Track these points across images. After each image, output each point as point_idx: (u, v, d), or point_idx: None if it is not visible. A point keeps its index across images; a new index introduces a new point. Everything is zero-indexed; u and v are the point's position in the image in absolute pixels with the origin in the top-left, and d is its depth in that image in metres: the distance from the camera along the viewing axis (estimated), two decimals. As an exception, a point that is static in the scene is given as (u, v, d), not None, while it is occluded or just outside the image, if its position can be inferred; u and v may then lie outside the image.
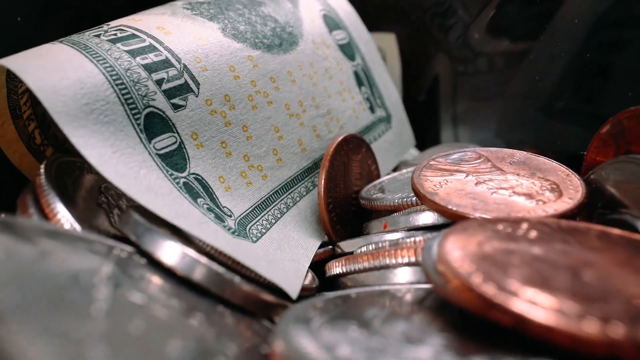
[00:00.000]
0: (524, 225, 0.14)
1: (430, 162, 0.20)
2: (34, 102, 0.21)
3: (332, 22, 0.26)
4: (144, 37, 0.18)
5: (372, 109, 0.26)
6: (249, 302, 0.13)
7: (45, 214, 0.14)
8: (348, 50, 0.26)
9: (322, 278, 0.19)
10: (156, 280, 0.12)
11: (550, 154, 0.25)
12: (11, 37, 0.25)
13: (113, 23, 0.19)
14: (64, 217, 0.14)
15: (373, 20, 0.32)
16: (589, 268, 0.12)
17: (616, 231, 0.14)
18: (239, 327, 0.12)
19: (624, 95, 0.22)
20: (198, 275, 0.13)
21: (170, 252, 0.13)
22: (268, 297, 0.14)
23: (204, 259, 0.13)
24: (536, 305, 0.10)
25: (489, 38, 0.30)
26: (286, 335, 0.10)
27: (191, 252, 0.13)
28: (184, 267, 0.13)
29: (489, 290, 0.10)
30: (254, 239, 0.18)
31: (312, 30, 0.24)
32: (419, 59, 0.34)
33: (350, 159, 0.23)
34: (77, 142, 0.15)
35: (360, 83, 0.26)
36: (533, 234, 0.14)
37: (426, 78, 0.34)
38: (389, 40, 0.33)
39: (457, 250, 0.12)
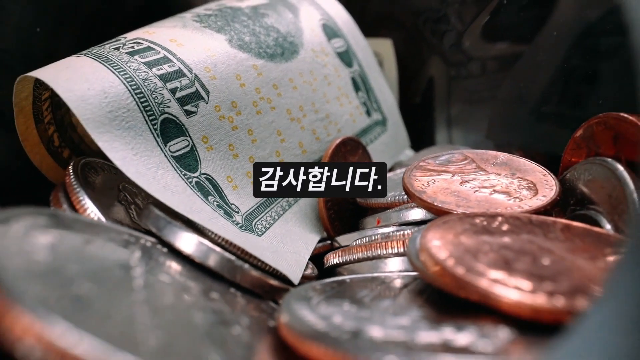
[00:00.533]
0: (499, 219, 0.17)
1: (420, 163, 0.22)
2: (54, 107, 0.24)
3: (330, 31, 0.28)
4: (159, 49, 0.21)
5: (368, 113, 0.29)
6: (257, 285, 0.16)
7: (76, 210, 0.17)
8: (346, 57, 0.28)
9: (321, 270, 0.21)
10: (176, 266, 0.15)
11: (536, 155, 0.27)
12: (32, 46, 0.27)
13: (130, 35, 0.22)
14: (93, 212, 0.17)
15: (371, 27, 0.34)
16: (548, 254, 0.14)
17: (579, 225, 0.16)
18: (248, 306, 0.14)
19: (607, 101, 0.24)
20: (212, 261, 0.15)
21: (188, 242, 0.16)
22: (273, 281, 0.16)
23: (217, 248, 0.15)
24: (498, 283, 0.12)
25: (481, 44, 0.33)
26: (290, 309, 0.12)
27: (206, 242, 0.15)
28: (200, 254, 0.15)
29: (460, 271, 0.13)
30: (259, 233, 0.20)
31: (311, 39, 0.27)
32: (415, 63, 0.36)
33: (348, 160, 0.25)
34: (103, 146, 0.17)
35: (357, 88, 0.28)
36: (505, 226, 0.16)
37: (421, 81, 0.36)
38: (386, 46, 0.35)
39: (436, 240, 0.15)
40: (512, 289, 0.12)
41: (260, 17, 0.25)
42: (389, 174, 0.27)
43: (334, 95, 0.27)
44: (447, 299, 0.14)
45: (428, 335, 0.11)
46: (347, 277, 0.16)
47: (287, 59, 0.25)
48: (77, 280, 0.10)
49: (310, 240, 0.22)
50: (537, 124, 0.31)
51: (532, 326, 0.11)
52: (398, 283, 0.16)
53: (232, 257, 0.15)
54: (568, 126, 0.27)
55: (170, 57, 0.21)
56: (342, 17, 0.30)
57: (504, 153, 0.23)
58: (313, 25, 0.28)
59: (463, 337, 0.11)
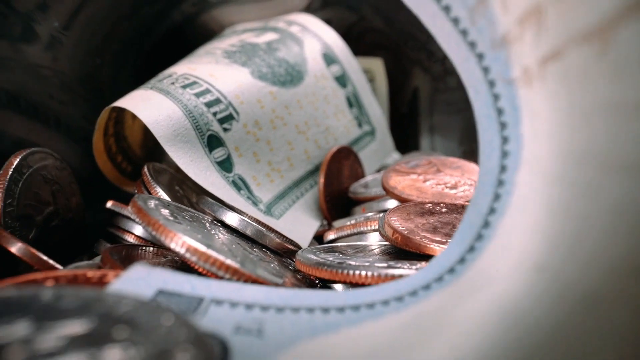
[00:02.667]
0: (441, 205, 0.28)
1: (395, 167, 0.33)
2: (116, 123, 0.35)
3: (329, 59, 0.40)
4: (202, 83, 0.32)
5: (360, 125, 0.40)
6: (279, 247, 0.27)
7: (155, 198, 0.28)
8: (341, 80, 0.40)
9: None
10: (227, 233, 0.26)
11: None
12: (81, 68, 0.38)
13: (179, 71, 0.33)
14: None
15: (365, 49, 0.46)
16: (463, 225, 0.25)
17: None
18: (275, 259, 0.25)
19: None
20: (249, 231, 0.27)
21: (233, 218, 0.27)
22: (290, 246, 0.27)
23: (253, 222, 0.27)
24: (426, 239, 0.23)
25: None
26: (302, 254, 0.24)
27: (246, 218, 0.27)
28: (242, 226, 0.26)
29: (405, 232, 0.24)
30: (277, 217, 0.31)
31: (314, 66, 0.38)
32: (402, 79, 0.48)
33: (342, 164, 0.36)
34: (172, 155, 0.29)
35: (350, 105, 0.40)
36: (444, 210, 0.27)
37: (407, 94, 0.48)
38: (377, 64, 0.47)
39: (395, 217, 0.26)
40: (433, 242, 0.23)
41: (274, 52, 0.37)
42: (376, 175, 0.38)
43: (332, 112, 0.38)
44: (399, 254, 0.25)
45: (381, 264, 0.22)
46: (338, 244, 0.28)
47: (295, 85, 0.36)
48: (189, 231, 0.21)
49: (313, 224, 0.33)
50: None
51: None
52: (372, 247, 0.27)
53: (263, 228, 0.27)
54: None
55: (211, 88, 0.32)
56: (339, 46, 0.41)
57: (461, 160, 0.34)
58: (315, 55, 0.39)
59: (399, 264, 0.22)
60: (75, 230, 0.33)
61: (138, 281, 0.17)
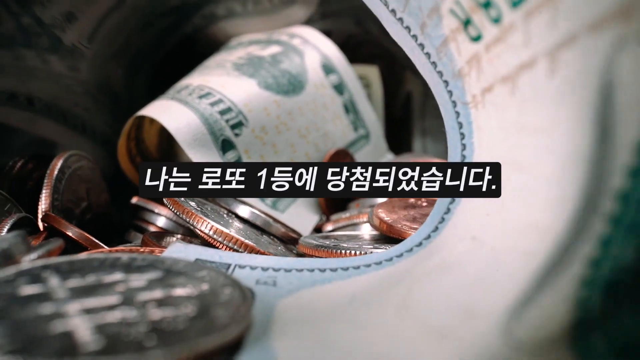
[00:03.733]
0: (422, 200, 0.35)
1: (386, 167, 0.40)
2: (137, 128, 0.42)
3: (327, 69, 0.47)
4: (216, 93, 0.39)
5: (355, 129, 0.47)
6: (284, 236, 0.34)
7: (178, 194, 0.35)
8: (339, 88, 0.47)
9: (320, 236, 0.39)
10: (240, 223, 0.33)
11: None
12: (100, 76, 0.45)
13: (194, 82, 0.40)
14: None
15: (362, 57, 0.53)
16: (439, 216, 0.32)
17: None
18: (281, 245, 0.33)
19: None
20: (258, 221, 0.34)
21: (245, 210, 0.34)
22: (293, 234, 0.34)
23: (262, 214, 0.34)
24: (405, 226, 0.31)
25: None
26: (304, 240, 0.31)
27: (255, 211, 0.34)
28: (252, 218, 0.34)
29: (389, 221, 0.31)
30: (281, 212, 0.38)
31: (314, 76, 0.45)
32: (396, 84, 0.55)
33: (339, 165, 0.43)
34: (192, 157, 0.36)
35: (347, 111, 0.47)
36: (425, 204, 0.34)
37: (401, 99, 0.55)
38: (373, 72, 0.54)
39: (381, 210, 0.33)
40: (411, 229, 0.30)
41: (278, 63, 0.44)
42: (370, 174, 0.45)
43: (330, 118, 0.45)
44: (385, 240, 0.32)
45: (368, 246, 0.29)
46: (335, 233, 0.35)
47: (297, 93, 0.43)
48: (213, 219, 0.28)
49: (313, 218, 0.41)
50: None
51: (418, 244, 0.30)
52: (363, 235, 0.34)
53: (270, 219, 0.34)
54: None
55: (223, 98, 0.39)
56: (337, 57, 0.48)
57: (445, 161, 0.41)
58: (315, 66, 0.46)
59: (383, 246, 0.29)
60: (103, 224, 0.40)
61: (180, 253, 0.25)
